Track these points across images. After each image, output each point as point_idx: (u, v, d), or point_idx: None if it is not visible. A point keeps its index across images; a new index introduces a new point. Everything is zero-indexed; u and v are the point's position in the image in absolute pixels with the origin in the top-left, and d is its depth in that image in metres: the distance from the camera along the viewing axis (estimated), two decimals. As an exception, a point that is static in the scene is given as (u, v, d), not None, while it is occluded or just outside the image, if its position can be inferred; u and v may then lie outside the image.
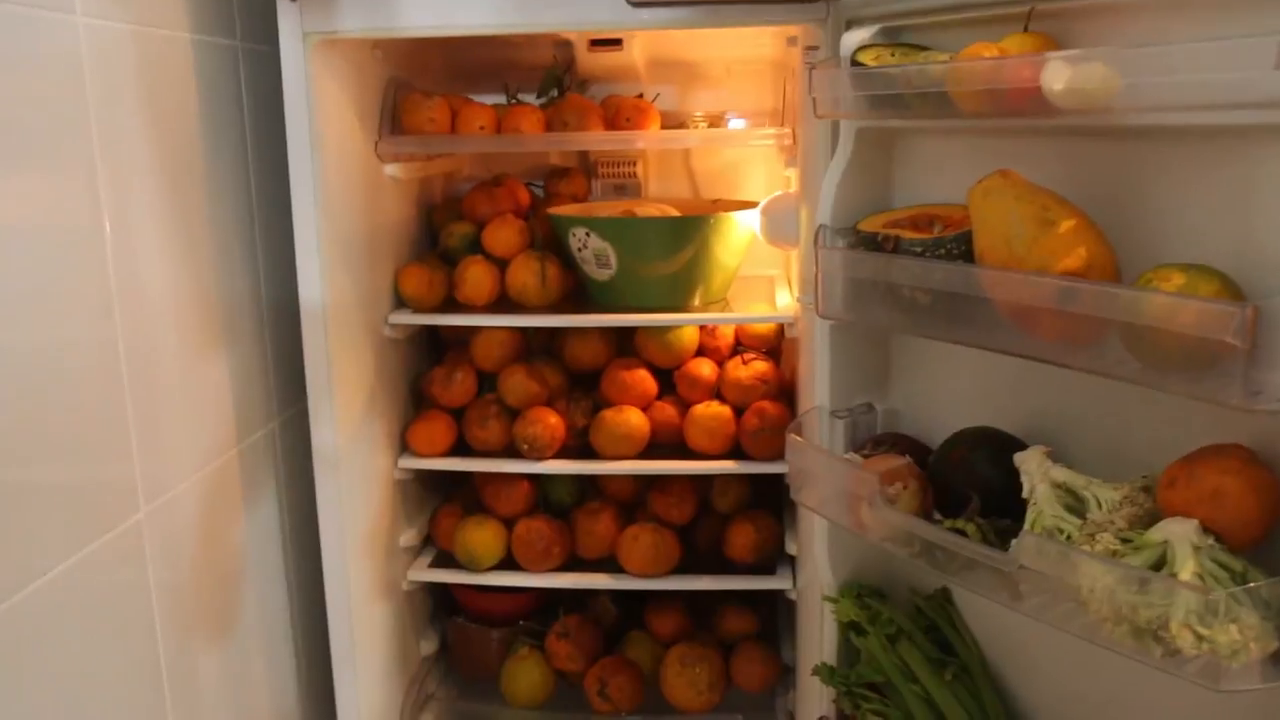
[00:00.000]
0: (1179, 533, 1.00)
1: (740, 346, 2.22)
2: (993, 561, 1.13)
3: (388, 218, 2.14)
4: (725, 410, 2.09)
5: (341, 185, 1.92)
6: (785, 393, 2.06)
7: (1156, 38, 1.07)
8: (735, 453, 2.08)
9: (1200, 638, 0.95)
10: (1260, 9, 0.97)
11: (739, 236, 2.04)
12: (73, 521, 1.32)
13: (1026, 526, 1.13)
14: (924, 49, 1.35)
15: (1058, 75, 1.04)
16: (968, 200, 1.19)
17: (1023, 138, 1.27)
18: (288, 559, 2.07)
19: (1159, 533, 1.02)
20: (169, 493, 1.62)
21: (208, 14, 1.74)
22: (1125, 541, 1.05)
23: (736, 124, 2.24)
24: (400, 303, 2.14)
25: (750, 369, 2.09)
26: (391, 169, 2.07)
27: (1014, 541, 1.11)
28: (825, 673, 1.55)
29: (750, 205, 2.09)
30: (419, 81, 2.17)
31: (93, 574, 1.36)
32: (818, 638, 1.65)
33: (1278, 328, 0.92)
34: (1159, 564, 1.01)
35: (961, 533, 1.20)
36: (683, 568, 2.20)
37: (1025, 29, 1.19)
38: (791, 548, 1.96)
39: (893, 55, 1.35)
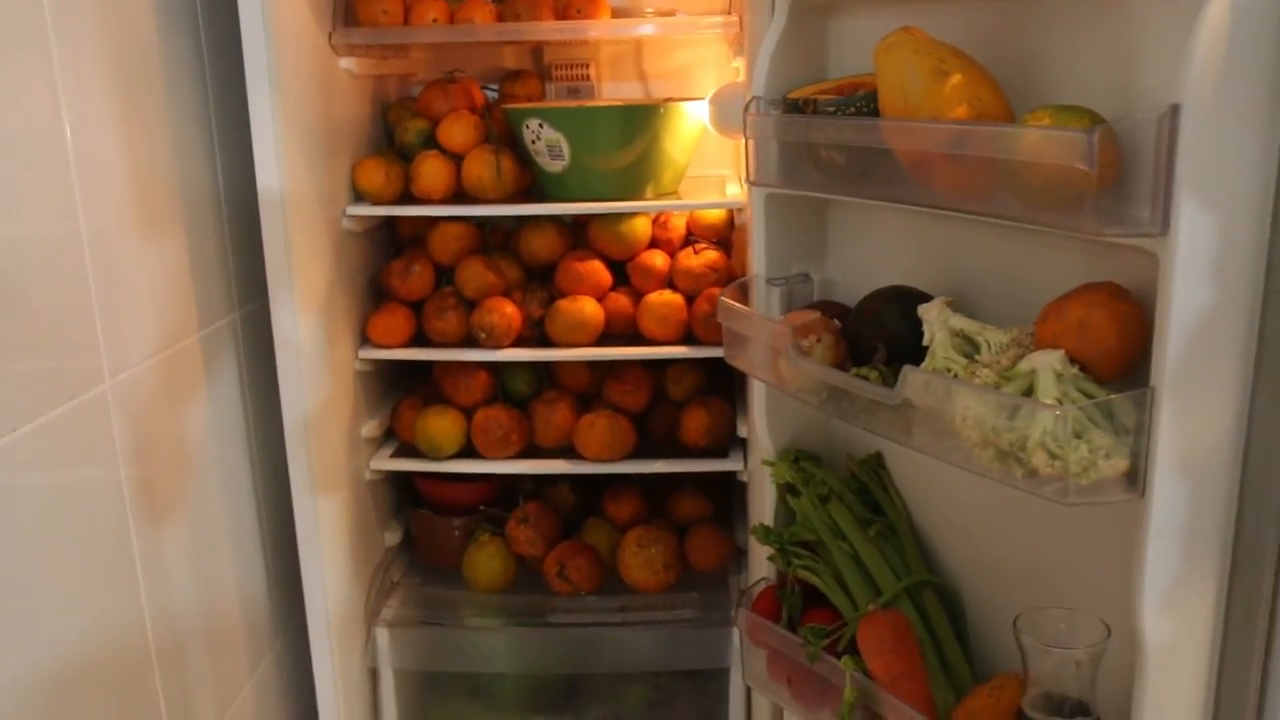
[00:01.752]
0: (1044, 362, 1.10)
1: (691, 237, 2.29)
2: (880, 397, 1.23)
3: (344, 112, 2.19)
4: (677, 298, 2.17)
5: (297, 77, 1.97)
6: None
7: None
8: (688, 339, 2.16)
9: (1053, 456, 1.05)
10: None
11: (689, 128, 2.11)
12: (41, 385, 1.40)
13: (924, 366, 1.23)
14: None
15: None
16: (873, 57, 1.26)
17: (930, 3, 1.35)
18: (251, 448, 2.14)
19: (1028, 363, 1.11)
20: (132, 369, 1.69)
21: None
22: (1011, 375, 1.15)
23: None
24: (358, 196, 2.20)
25: (701, 258, 2.17)
26: (346, 63, 2.13)
27: (903, 377, 1.20)
28: (761, 532, 1.66)
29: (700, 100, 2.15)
30: None
31: (62, 435, 1.44)
32: (763, 509, 1.76)
33: (1141, 162, 0.99)
34: (1028, 393, 1.10)
35: (866, 376, 1.29)
36: (638, 453, 2.29)
37: None
38: (743, 431, 2.05)
39: None
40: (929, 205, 1.24)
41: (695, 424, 2.20)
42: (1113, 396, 1.06)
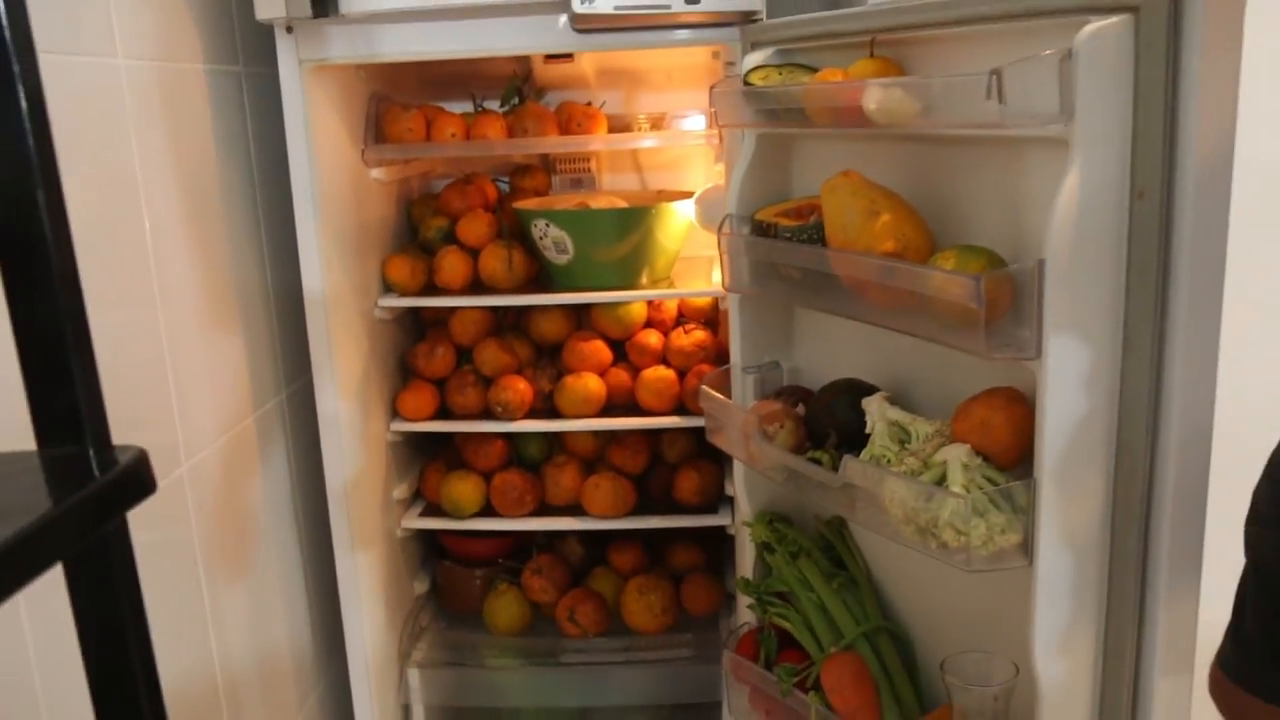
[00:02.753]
0: (954, 454, 1.29)
1: (682, 318, 2.44)
2: (827, 480, 1.42)
3: (374, 214, 2.37)
4: (670, 374, 2.32)
5: (334, 188, 2.14)
6: (722, 358, 2.24)
7: (959, 61, 1.35)
8: (680, 410, 2.30)
9: (959, 532, 1.24)
10: (1025, 37, 1.21)
11: (678, 223, 2.27)
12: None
13: (862, 455, 1.43)
14: (810, 68, 1.59)
15: (870, 98, 1.32)
16: (820, 193, 1.47)
17: (874, 143, 1.53)
18: (297, 512, 2.29)
19: (942, 454, 1.30)
20: (202, 452, 1.87)
21: (216, 46, 1.97)
22: (928, 466, 1.36)
23: (693, 122, 2.40)
24: (387, 288, 2.36)
25: (691, 337, 2.33)
26: (376, 172, 2.31)
27: (843, 464, 1.41)
28: (742, 584, 1.85)
29: (689, 195, 2.31)
30: (397, 94, 2.39)
31: (151, 509, 1.64)
32: (745, 563, 1.94)
33: (1024, 299, 1.19)
34: (942, 479, 1.29)
35: (817, 460, 1.49)
36: (638, 510, 2.41)
37: (871, 55, 1.46)
38: (730, 490, 2.19)
39: (780, 74, 1.59)
40: (866, 320, 1.42)
41: (688, 484, 2.35)
42: (1008, 484, 1.25)
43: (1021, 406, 1.29)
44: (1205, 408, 1.20)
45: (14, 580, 0.77)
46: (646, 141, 2.40)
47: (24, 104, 0.86)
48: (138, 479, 0.94)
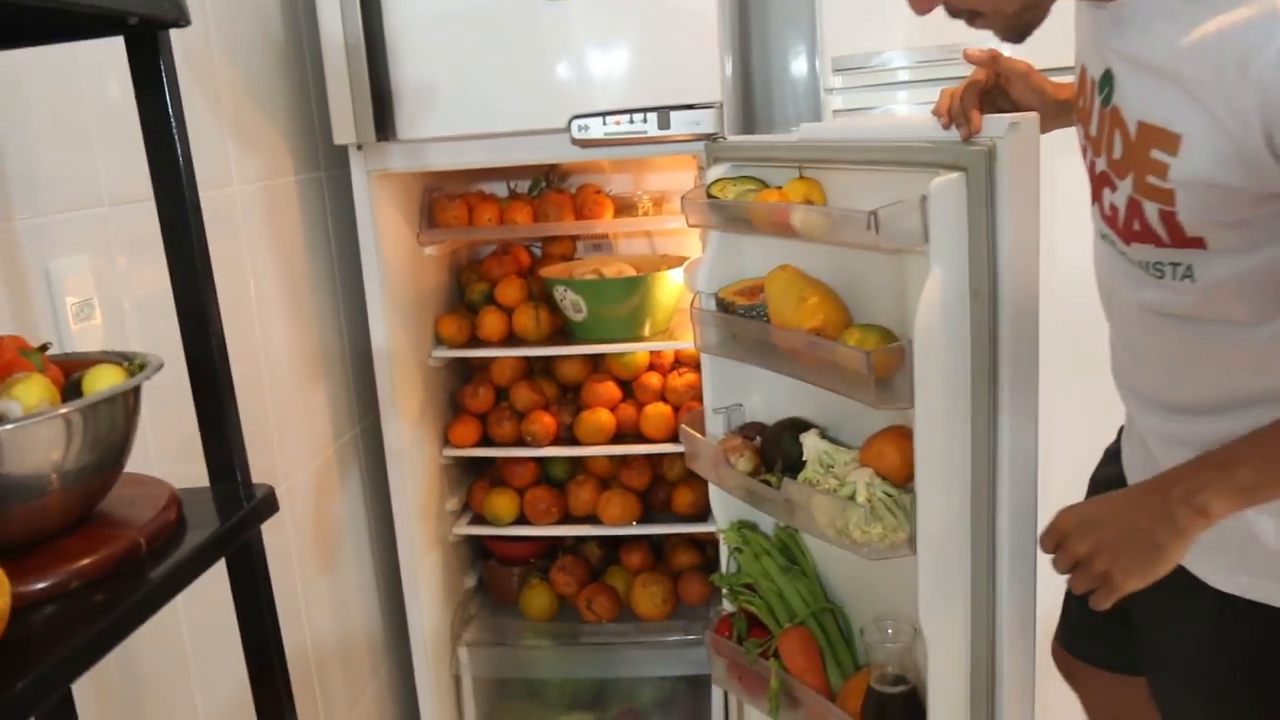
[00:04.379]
0: (861, 476, 1.57)
1: (678, 362, 2.64)
2: (773, 497, 1.70)
3: (428, 283, 2.61)
4: (668, 409, 2.52)
5: (395, 264, 2.39)
6: (709, 395, 2.53)
7: (862, 187, 1.60)
8: (677, 438, 2.39)
9: (864, 532, 1.53)
10: (917, 173, 1.45)
11: (673, 286, 2.50)
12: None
13: (798, 478, 1.69)
14: (760, 180, 1.81)
15: (795, 218, 1.62)
16: (765, 280, 1.75)
17: (805, 242, 1.72)
18: (369, 522, 2.52)
19: (853, 476, 1.58)
20: (296, 476, 2.14)
21: (304, 160, 2.26)
22: (843, 485, 1.66)
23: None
24: (439, 342, 2.59)
25: (684, 379, 2.54)
26: (429, 250, 2.56)
27: (784, 485, 1.70)
28: (719, 578, 2.06)
29: (685, 259, 2.51)
30: (446, 185, 2.63)
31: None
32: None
33: (904, 366, 1.47)
34: (853, 494, 1.57)
35: (768, 482, 1.76)
36: (643, 519, 2.59)
37: (800, 176, 1.73)
38: None
39: (734, 185, 1.82)
40: (797, 377, 1.69)
41: (684, 498, 2.57)
42: (898, 496, 1.54)
43: (908, 440, 1.55)
44: (1029, 438, 1.48)
45: (199, 568, 1.13)
46: (642, 225, 2.65)
47: (197, 257, 1.22)
48: (268, 505, 1.30)
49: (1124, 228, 1.25)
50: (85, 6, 0.99)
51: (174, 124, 1.14)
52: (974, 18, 1.26)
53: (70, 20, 1.06)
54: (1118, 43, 1.20)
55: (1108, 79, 1.24)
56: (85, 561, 1.02)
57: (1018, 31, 1.27)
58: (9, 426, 0.93)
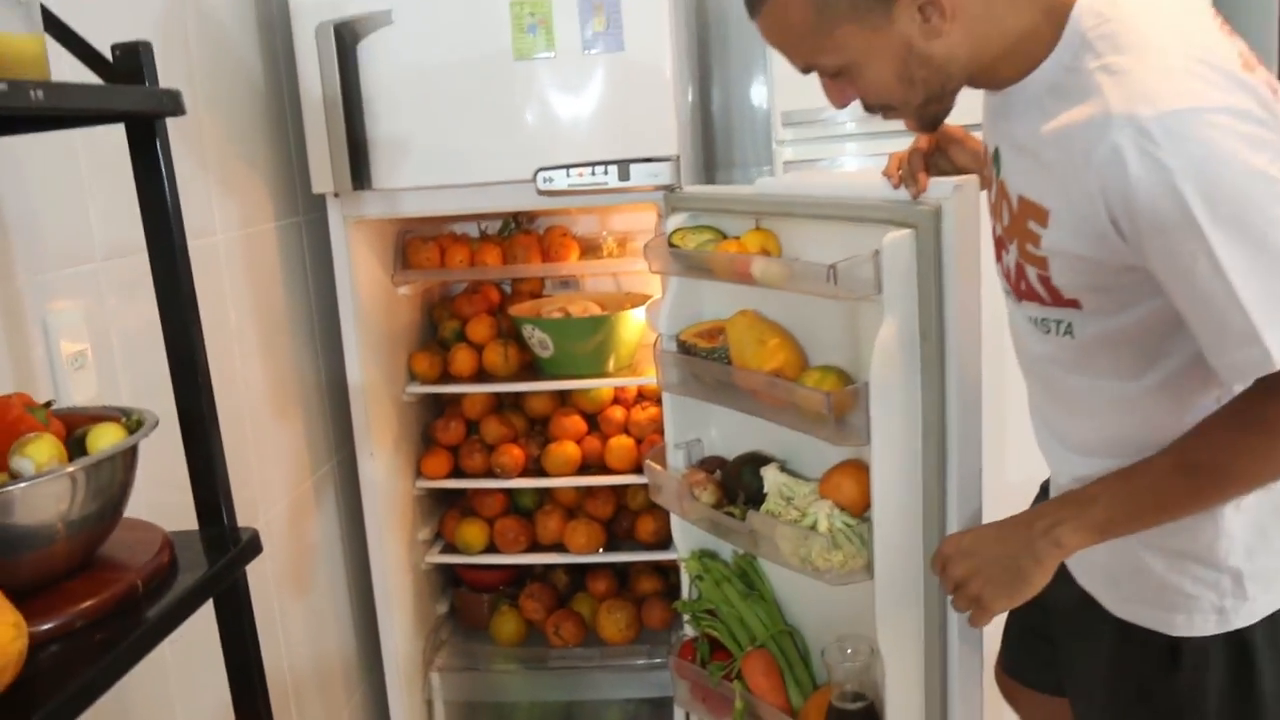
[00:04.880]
0: (821, 507, 1.62)
1: (641, 396, 2.67)
2: (737, 528, 1.74)
3: (401, 321, 2.65)
4: (631, 441, 2.55)
5: (370, 304, 2.43)
6: (670, 428, 2.57)
7: (817, 237, 1.67)
8: (639, 470, 2.44)
9: (825, 559, 1.58)
10: (869, 228, 1.52)
11: (635, 324, 2.53)
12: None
13: (761, 509, 1.74)
14: (718, 230, 1.86)
15: (755, 267, 1.68)
16: (726, 324, 1.80)
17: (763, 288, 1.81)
18: (345, 551, 2.54)
19: (813, 508, 1.64)
20: (275, 508, 2.16)
21: (283, 207, 2.29)
22: (805, 516, 1.71)
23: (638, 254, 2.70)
24: (412, 377, 2.62)
25: (647, 412, 2.58)
26: (403, 290, 2.59)
27: (748, 516, 1.75)
28: (682, 605, 2.11)
29: (649, 297, 2.57)
30: (419, 228, 2.65)
31: None
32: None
33: (860, 405, 1.53)
34: (814, 525, 1.63)
35: (731, 514, 1.80)
36: (608, 547, 2.62)
37: (757, 227, 1.79)
38: None
39: (694, 233, 1.86)
40: (758, 415, 1.74)
41: (647, 527, 2.59)
42: (856, 527, 1.59)
43: (864, 473, 1.61)
44: (975, 470, 1.54)
45: (191, 607, 1.17)
46: (605, 268, 2.70)
47: (190, 324, 1.25)
48: (253, 548, 1.33)
49: (1015, 286, 1.35)
50: (98, 109, 1.03)
51: (169, 200, 1.19)
52: (887, 111, 1.33)
53: (84, 117, 1.11)
54: (1003, 125, 1.31)
55: (997, 156, 1.35)
56: (88, 603, 1.07)
57: (927, 122, 1.35)
58: (23, 485, 0.97)
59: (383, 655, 2.56)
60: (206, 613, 1.31)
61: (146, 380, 1.66)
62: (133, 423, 1.16)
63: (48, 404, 1.15)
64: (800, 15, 1.24)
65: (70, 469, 1.02)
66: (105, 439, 1.09)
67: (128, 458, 1.11)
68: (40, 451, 1.01)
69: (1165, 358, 1.26)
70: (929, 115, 1.32)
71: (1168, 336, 1.23)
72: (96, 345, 1.59)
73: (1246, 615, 1.32)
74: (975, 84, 1.30)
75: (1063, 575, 1.47)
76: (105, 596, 1.07)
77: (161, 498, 1.40)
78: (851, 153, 2.26)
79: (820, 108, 2.19)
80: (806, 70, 1.32)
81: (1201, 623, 1.34)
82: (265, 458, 2.17)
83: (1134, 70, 1.11)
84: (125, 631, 1.05)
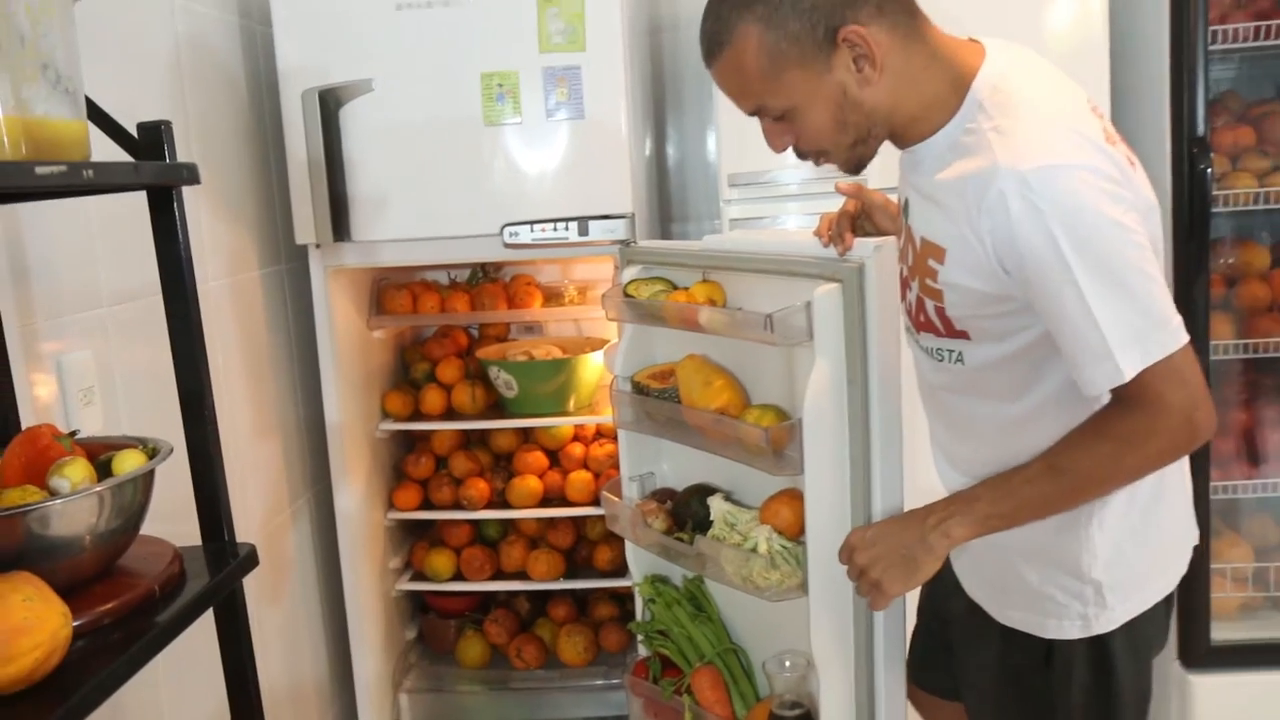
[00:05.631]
0: (761, 532, 1.71)
1: (599, 434, 2.78)
2: (686, 552, 1.84)
3: (376, 362, 2.74)
4: (590, 475, 2.66)
5: (346, 347, 2.52)
6: (626, 463, 2.67)
7: (759, 289, 1.77)
8: (597, 502, 2.56)
9: (764, 578, 1.69)
10: (802, 281, 1.62)
11: (595, 366, 2.66)
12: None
13: (708, 535, 1.84)
14: (670, 281, 1.95)
15: (702, 316, 1.79)
16: (676, 367, 1.93)
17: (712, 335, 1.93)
18: (320, 578, 2.62)
19: (754, 533, 1.74)
20: (255, 536, 2.24)
21: (267, 256, 2.39)
22: (746, 539, 1.82)
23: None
24: (385, 415, 2.71)
25: (604, 449, 2.68)
26: (377, 333, 2.70)
27: (696, 541, 1.87)
28: (636, 626, 2.18)
29: (609, 341, 2.66)
30: (393, 276, 2.76)
31: None
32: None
33: (796, 436, 1.66)
34: (755, 548, 1.74)
35: (681, 539, 1.91)
36: (568, 575, 2.72)
37: (704, 279, 1.90)
38: None
39: (648, 285, 1.96)
40: (705, 450, 1.84)
41: (604, 556, 2.70)
42: (792, 548, 1.69)
43: (799, 501, 1.71)
44: (896, 496, 1.64)
45: (198, 611, 1.28)
46: (566, 315, 2.81)
47: (195, 347, 1.36)
48: (251, 560, 1.44)
49: (914, 319, 1.53)
50: (125, 184, 1.16)
51: (184, 256, 1.31)
52: (819, 156, 1.49)
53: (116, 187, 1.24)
54: (912, 177, 1.48)
55: (906, 206, 1.53)
56: (112, 604, 1.19)
57: (855, 164, 1.50)
58: (61, 501, 1.08)
59: (354, 677, 2.63)
60: (195, 629, 1.42)
61: (145, 413, 1.77)
62: (150, 450, 1.27)
63: (73, 433, 1.27)
64: (754, 61, 1.38)
65: (99, 488, 1.13)
66: (129, 463, 1.21)
67: (147, 480, 1.23)
68: (75, 472, 1.13)
69: (1040, 383, 1.43)
70: (856, 157, 1.47)
71: (1042, 363, 1.40)
72: (102, 382, 1.70)
73: (1107, 622, 1.49)
74: (893, 139, 1.47)
75: (955, 587, 1.65)
76: (128, 598, 1.18)
77: (162, 516, 1.50)
78: (792, 212, 2.40)
79: (764, 170, 2.34)
80: (753, 113, 1.46)
81: (1069, 627, 1.51)
82: (247, 488, 2.26)
83: (1018, 131, 1.30)
84: (142, 631, 1.17)
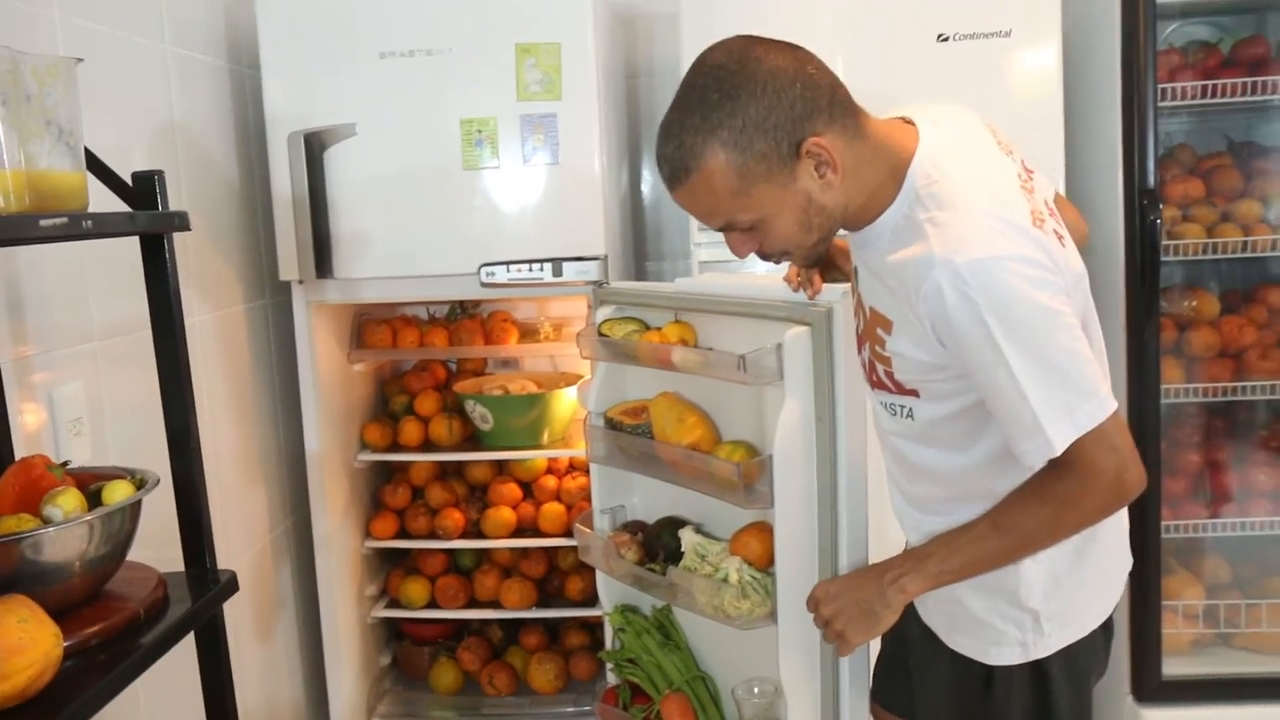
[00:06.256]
0: (731, 563, 1.74)
1: (572, 467, 2.79)
2: (658, 582, 1.86)
3: (356, 395, 2.76)
4: (562, 507, 2.67)
5: (327, 380, 2.54)
6: (598, 496, 2.68)
7: (729, 330, 1.81)
8: (569, 533, 2.58)
9: (735, 607, 1.71)
10: (773, 324, 1.67)
11: (568, 401, 2.67)
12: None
13: (679, 566, 1.87)
14: (642, 321, 1.98)
15: (675, 355, 1.82)
16: (649, 404, 1.96)
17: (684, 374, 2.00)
18: (297, 604, 2.62)
19: (724, 564, 1.76)
20: (236, 562, 2.22)
21: (252, 291, 2.41)
22: (717, 570, 1.84)
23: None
24: (364, 446, 2.72)
25: (577, 481, 2.69)
26: (358, 367, 2.71)
27: (668, 572, 1.89)
28: (606, 655, 2.20)
29: (583, 376, 2.66)
30: (374, 311, 2.77)
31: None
32: (611, 639, 2.35)
33: (766, 471, 1.70)
34: (725, 578, 1.77)
35: (654, 570, 1.92)
36: (540, 604, 2.73)
37: (676, 320, 1.93)
38: None
39: (620, 324, 1.98)
40: (677, 484, 1.86)
41: (576, 585, 2.71)
42: (761, 579, 1.71)
43: (768, 533, 1.74)
44: (861, 528, 1.69)
45: (180, 633, 1.29)
46: (540, 351, 2.84)
47: (182, 383, 1.38)
48: (231, 586, 1.45)
49: (869, 377, 1.58)
50: (121, 231, 1.18)
51: (173, 297, 1.33)
52: (782, 257, 1.53)
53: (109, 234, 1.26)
54: (861, 253, 1.54)
55: (857, 274, 1.59)
56: (100, 626, 1.21)
57: (813, 260, 1.57)
58: (54, 529, 1.09)
59: (329, 701, 2.63)
60: (176, 652, 1.42)
61: (132, 444, 1.78)
62: (138, 480, 1.29)
63: (64, 463, 1.27)
64: (724, 182, 1.41)
65: (90, 517, 1.15)
66: (119, 493, 1.22)
67: (134, 509, 1.24)
68: (68, 502, 1.14)
69: (984, 437, 1.49)
70: (816, 254, 1.53)
71: (987, 420, 1.45)
72: (91, 413, 1.70)
73: (1044, 648, 1.56)
74: (844, 225, 1.51)
75: (912, 614, 1.68)
76: (114, 621, 1.21)
77: (146, 542, 1.51)
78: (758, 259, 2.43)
79: (734, 214, 2.37)
80: (724, 228, 1.50)
81: (1009, 653, 1.57)
82: (228, 516, 2.27)
83: (951, 224, 1.35)
84: (127, 653, 1.20)
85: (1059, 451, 1.33)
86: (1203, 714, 2.52)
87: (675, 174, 1.44)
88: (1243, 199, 2.50)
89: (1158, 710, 2.53)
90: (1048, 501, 1.39)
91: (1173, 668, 2.53)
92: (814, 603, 1.61)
